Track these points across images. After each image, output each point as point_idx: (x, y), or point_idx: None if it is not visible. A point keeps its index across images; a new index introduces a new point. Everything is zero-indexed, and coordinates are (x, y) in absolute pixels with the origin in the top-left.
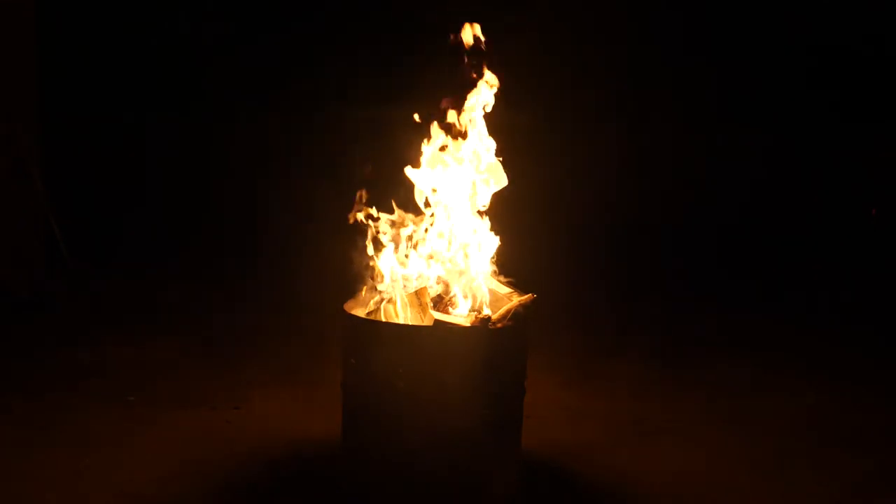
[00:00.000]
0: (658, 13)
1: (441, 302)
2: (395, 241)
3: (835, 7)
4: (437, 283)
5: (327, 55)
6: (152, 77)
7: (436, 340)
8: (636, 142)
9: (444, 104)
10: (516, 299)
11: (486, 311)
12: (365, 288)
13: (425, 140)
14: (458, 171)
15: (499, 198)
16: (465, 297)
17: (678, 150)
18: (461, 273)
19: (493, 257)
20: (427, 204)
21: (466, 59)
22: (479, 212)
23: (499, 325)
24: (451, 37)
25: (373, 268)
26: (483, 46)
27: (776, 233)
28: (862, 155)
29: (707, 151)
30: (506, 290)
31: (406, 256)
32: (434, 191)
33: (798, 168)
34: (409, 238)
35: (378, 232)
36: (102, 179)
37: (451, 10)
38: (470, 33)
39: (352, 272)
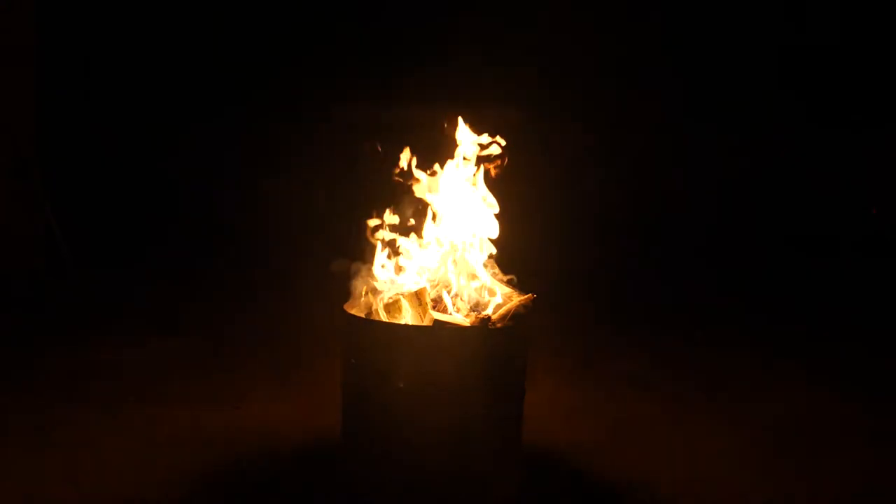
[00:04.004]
0: (650, 16)
1: (441, 302)
2: (396, 241)
3: (835, 8)
4: (437, 284)
5: (327, 55)
6: (152, 78)
7: (436, 340)
8: (636, 143)
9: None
10: (516, 299)
11: (486, 311)
12: (365, 288)
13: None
14: (460, 173)
15: (498, 198)
16: (465, 297)
17: (677, 152)
18: (461, 273)
19: (492, 257)
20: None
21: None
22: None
23: (499, 325)
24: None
25: (373, 268)
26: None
27: (774, 233)
28: (863, 155)
29: (705, 153)
30: (506, 289)
31: (406, 256)
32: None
33: (796, 168)
34: (410, 238)
35: (379, 232)
36: (103, 180)
37: (453, 11)
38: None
39: (352, 272)
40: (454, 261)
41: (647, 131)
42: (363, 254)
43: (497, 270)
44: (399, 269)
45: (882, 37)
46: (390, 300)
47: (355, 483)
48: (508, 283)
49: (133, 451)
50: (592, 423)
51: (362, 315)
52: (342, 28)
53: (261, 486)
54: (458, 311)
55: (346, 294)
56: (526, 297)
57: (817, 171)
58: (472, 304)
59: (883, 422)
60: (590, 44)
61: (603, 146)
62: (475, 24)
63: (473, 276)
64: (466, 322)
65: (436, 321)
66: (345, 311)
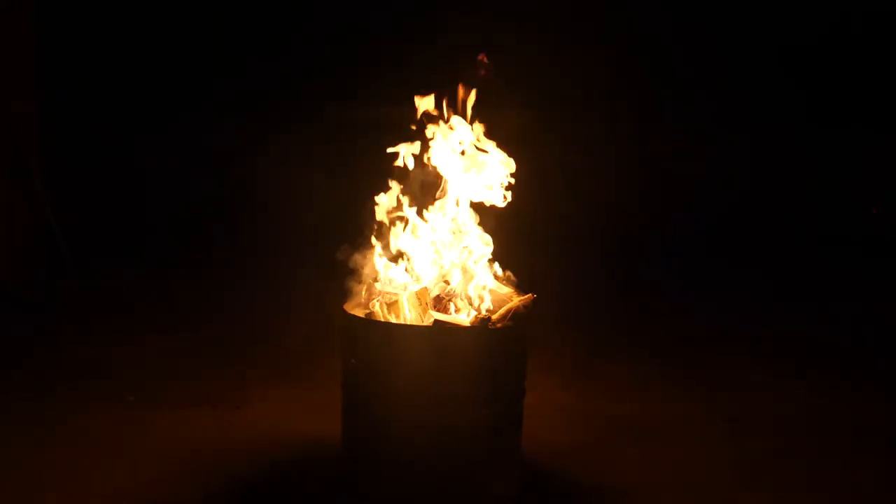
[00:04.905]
0: (654, 18)
1: (441, 302)
2: (396, 241)
3: (838, 8)
4: (438, 284)
5: (328, 55)
6: (152, 77)
7: (436, 340)
8: (633, 143)
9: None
10: (516, 299)
11: (486, 311)
12: (365, 288)
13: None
14: (460, 172)
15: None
16: (466, 297)
17: (676, 152)
18: (462, 273)
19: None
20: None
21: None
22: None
23: (499, 325)
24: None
25: (373, 268)
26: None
27: (774, 233)
28: (863, 155)
29: (705, 152)
30: (506, 290)
31: (406, 256)
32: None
33: (795, 168)
34: (410, 238)
35: (379, 232)
36: (103, 180)
37: (455, 12)
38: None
39: (352, 272)
40: (455, 261)
41: (648, 132)
42: (365, 248)
43: (497, 270)
44: (400, 268)
45: (883, 38)
46: (390, 300)
47: (356, 482)
48: (508, 282)
49: (133, 450)
50: (592, 423)
51: (362, 315)
52: (342, 24)
53: (261, 486)
54: (458, 311)
55: (346, 293)
56: (526, 297)
57: (817, 171)
58: (472, 304)
59: (882, 423)
60: (593, 45)
61: (618, 148)
62: (479, 24)
63: (473, 276)
64: (466, 322)
65: (436, 321)
66: (345, 311)
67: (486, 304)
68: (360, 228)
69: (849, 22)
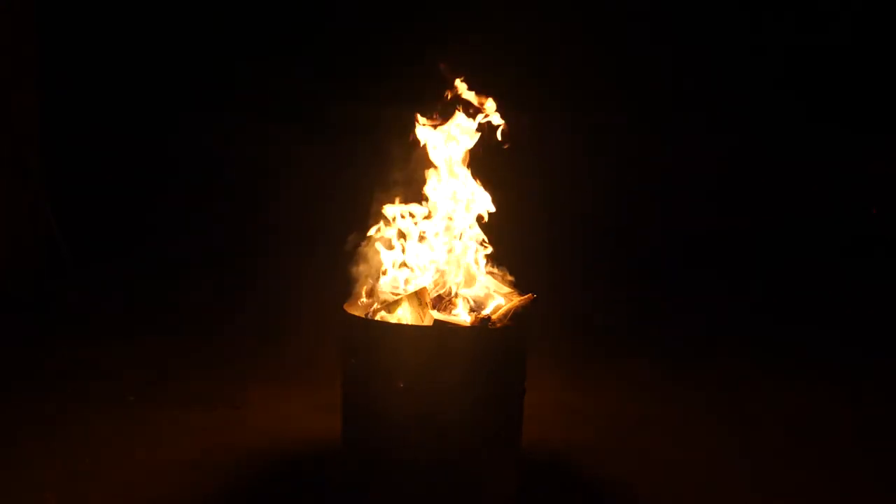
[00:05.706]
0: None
1: (441, 302)
2: (396, 240)
3: (839, 11)
4: (438, 283)
5: (330, 54)
6: (152, 76)
7: (436, 340)
8: (634, 144)
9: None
10: (516, 299)
11: (486, 311)
12: (365, 288)
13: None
14: (459, 170)
15: (499, 198)
16: (466, 297)
17: (676, 152)
18: (462, 273)
19: (492, 256)
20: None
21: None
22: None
23: (499, 325)
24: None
25: (373, 268)
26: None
27: (774, 233)
28: (863, 155)
29: (705, 152)
30: (506, 289)
31: (406, 256)
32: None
33: (796, 168)
34: (410, 237)
35: (379, 231)
36: (103, 180)
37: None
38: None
39: (352, 272)
40: (455, 260)
41: (648, 131)
42: (366, 247)
43: (496, 269)
44: (401, 267)
45: (883, 39)
46: (391, 300)
47: (355, 483)
48: (508, 282)
49: (132, 450)
50: (592, 423)
51: (362, 315)
52: (342, 24)
53: (260, 486)
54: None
55: (346, 293)
56: (526, 297)
57: (818, 171)
58: (472, 304)
59: (882, 423)
60: (593, 44)
61: (619, 149)
62: (471, 24)
63: (474, 276)
64: (466, 322)
65: (436, 321)
66: (345, 311)
67: (486, 304)
68: (361, 228)
69: (849, 23)
